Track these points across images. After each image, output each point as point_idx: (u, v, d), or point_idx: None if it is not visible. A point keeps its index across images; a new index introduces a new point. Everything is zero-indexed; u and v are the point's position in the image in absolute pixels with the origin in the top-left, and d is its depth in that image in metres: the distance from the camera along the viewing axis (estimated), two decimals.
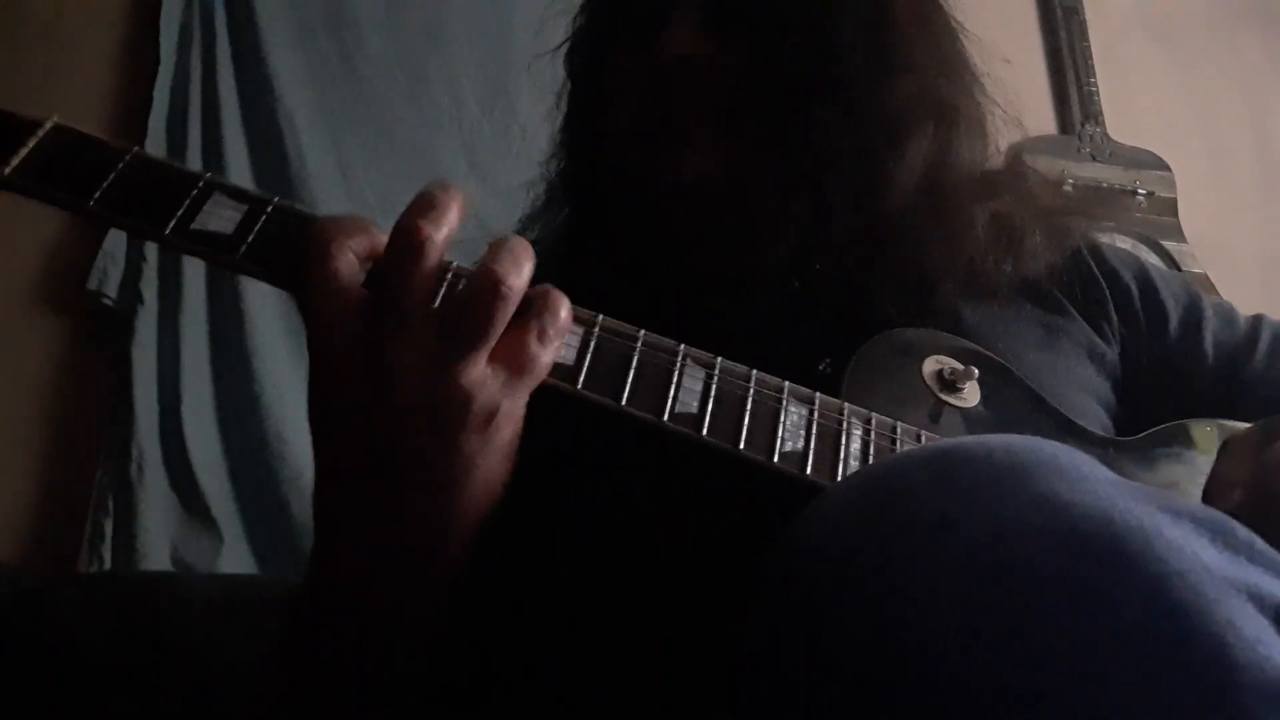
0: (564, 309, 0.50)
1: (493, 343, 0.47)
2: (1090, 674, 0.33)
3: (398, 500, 0.50)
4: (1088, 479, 0.38)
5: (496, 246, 0.48)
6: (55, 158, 0.51)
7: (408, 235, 0.46)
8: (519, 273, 0.48)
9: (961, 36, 0.78)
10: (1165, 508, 0.37)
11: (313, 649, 0.56)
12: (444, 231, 0.47)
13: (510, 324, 0.48)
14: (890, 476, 0.42)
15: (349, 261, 0.48)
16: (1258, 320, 0.83)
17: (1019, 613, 0.34)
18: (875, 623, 0.36)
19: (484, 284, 0.47)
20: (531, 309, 0.49)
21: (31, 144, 0.51)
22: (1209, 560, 0.35)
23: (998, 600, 0.35)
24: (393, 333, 0.47)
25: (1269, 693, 0.32)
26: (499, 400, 0.48)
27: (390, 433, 0.48)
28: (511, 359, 0.49)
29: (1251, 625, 0.33)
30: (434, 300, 0.49)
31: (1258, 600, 0.35)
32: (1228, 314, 0.83)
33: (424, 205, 0.47)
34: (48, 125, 0.52)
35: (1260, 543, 0.38)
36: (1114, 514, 0.36)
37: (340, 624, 0.54)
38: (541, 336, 0.49)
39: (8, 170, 0.50)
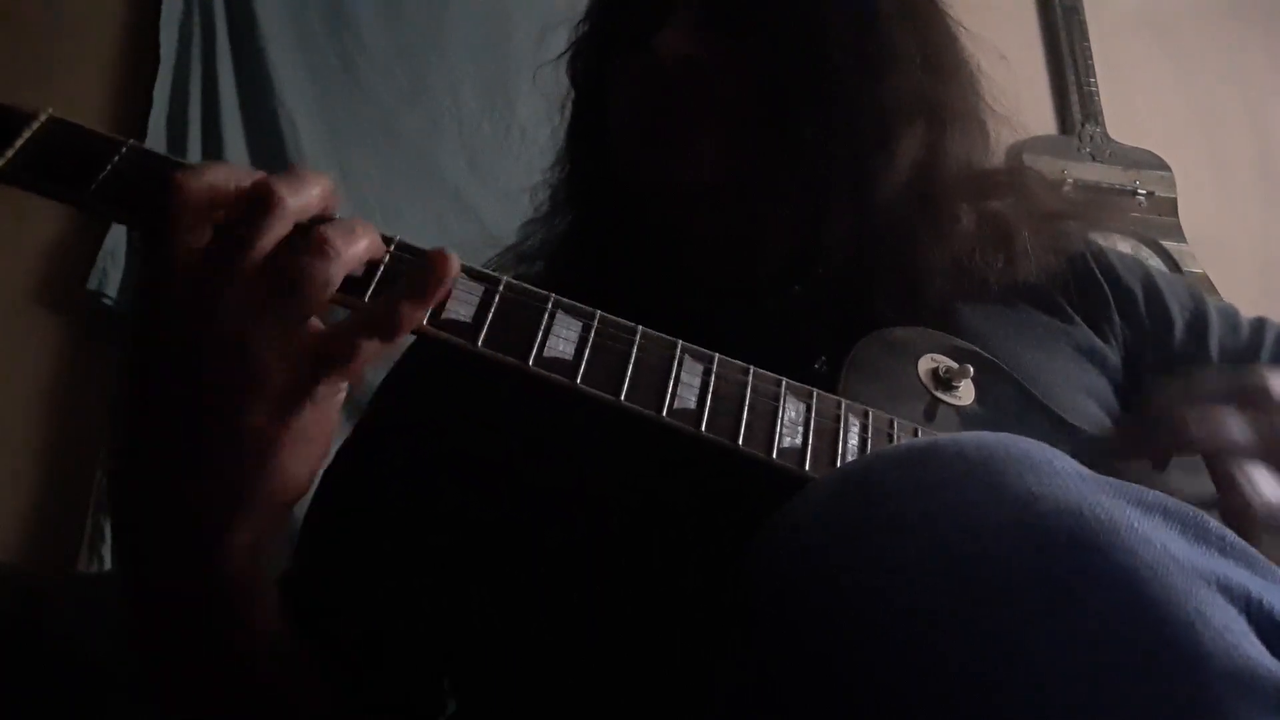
0: (402, 321, 0.49)
1: (313, 306, 0.47)
2: (1060, 667, 0.33)
3: (188, 449, 0.49)
4: (1059, 473, 0.38)
5: (338, 220, 0.50)
6: (50, 149, 0.51)
7: (261, 191, 0.48)
8: (350, 241, 0.48)
9: (960, 36, 0.78)
10: (1136, 500, 0.37)
11: (138, 620, 0.55)
12: (300, 200, 0.48)
13: (354, 318, 0.49)
14: (863, 475, 0.42)
15: (203, 191, 0.48)
16: (1261, 324, 0.83)
17: (988, 608, 0.35)
18: (849, 622, 0.36)
19: (311, 242, 0.47)
20: (373, 313, 0.49)
21: (26, 135, 0.51)
22: (1178, 552, 0.35)
23: (967, 595, 0.35)
24: (225, 278, 0.47)
25: (1237, 680, 0.32)
26: (305, 382, 0.48)
27: (199, 389, 0.47)
28: (331, 343, 0.49)
29: (1220, 615, 0.34)
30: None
31: (1227, 591, 0.35)
32: (1231, 318, 0.82)
33: (288, 175, 0.49)
34: (42, 117, 0.52)
35: (1231, 535, 0.38)
36: (1083, 507, 0.36)
37: (146, 578, 0.53)
38: (370, 329, 0.49)
39: (2, 162, 0.50)
